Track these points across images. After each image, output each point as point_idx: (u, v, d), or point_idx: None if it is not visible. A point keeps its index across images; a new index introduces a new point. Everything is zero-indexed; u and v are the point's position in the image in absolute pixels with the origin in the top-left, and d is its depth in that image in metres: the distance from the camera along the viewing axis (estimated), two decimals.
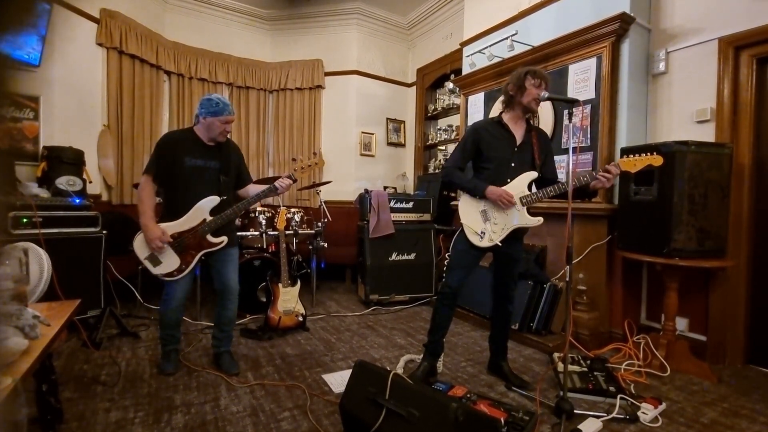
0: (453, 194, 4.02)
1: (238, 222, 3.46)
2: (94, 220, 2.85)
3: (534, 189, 2.08)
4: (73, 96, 3.40)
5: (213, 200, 2.15)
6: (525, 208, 2.03)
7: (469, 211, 2.09)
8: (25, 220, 2.50)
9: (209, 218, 2.14)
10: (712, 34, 2.52)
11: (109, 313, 2.77)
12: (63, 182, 2.87)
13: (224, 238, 2.19)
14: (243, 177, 2.37)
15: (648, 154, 1.87)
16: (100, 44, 3.65)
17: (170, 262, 2.12)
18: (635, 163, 1.88)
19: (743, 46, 2.42)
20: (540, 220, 2.04)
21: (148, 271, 2.14)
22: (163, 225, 2.10)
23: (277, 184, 2.16)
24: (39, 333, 1.24)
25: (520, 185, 2.04)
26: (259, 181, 2.89)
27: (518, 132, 2.09)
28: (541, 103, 2.03)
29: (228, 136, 2.23)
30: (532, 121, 2.14)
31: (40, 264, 1.82)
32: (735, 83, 2.45)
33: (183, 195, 2.13)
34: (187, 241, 2.12)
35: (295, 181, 2.21)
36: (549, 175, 2.12)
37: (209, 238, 2.16)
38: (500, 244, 2.04)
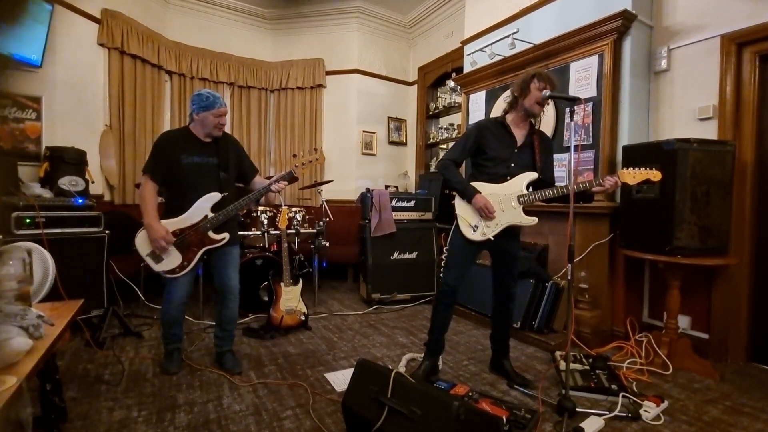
0: (451, 187, 4.01)
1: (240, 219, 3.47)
2: (96, 220, 2.86)
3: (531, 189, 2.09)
4: (74, 96, 3.41)
5: (214, 197, 2.15)
6: (521, 206, 2.05)
7: (464, 203, 2.11)
8: (28, 220, 2.51)
9: (211, 215, 2.14)
10: (715, 31, 2.51)
11: (112, 312, 2.78)
12: (65, 182, 2.88)
13: (226, 235, 2.20)
14: (246, 170, 2.34)
15: (648, 169, 1.92)
16: (101, 44, 3.65)
17: (172, 259, 2.13)
18: (634, 176, 1.93)
19: (746, 43, 2.41)
20: (534, 220, 2.05)
21: (151, 270, 2.15)
22: (164, 222, 2.11)
23: (273, 187, 2.18)
24: (43, 333, 1.25)
25: (518, 184, 2.06)
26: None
27: (519, 134, 2.11)
28: (545, 100, 2.04)
29: (224, 130, 2.22)
30: (534, 123, 2.15)
31: (44, 265, 1.83)
32: (738, 80, 2.44)
33: (183, 192, 2.14)
34: (188, 238, 2.13)
35: (296, 178, 2.22)
36: (546, 177, 2.13)
37: (211, 234, 2.16)
38: (492, 239, 2.06)
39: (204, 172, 2.16)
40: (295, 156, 2.29)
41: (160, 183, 2.15)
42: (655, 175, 1.91)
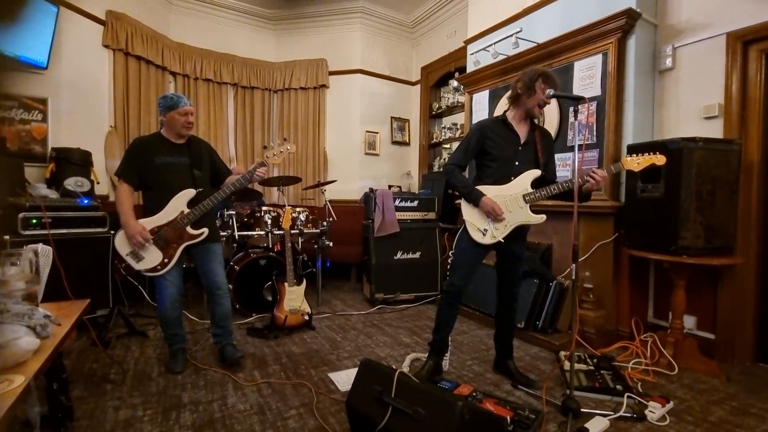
0: (457, 192, 4.01)
1: (243, 220, 3.49)
2: (102, 220, 2.88)
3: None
4: (80, 97, 3.43)
5: (188, 193, 2.20)
6: (528, 205, 2.03)
7: (471, 208, 2.10)
8: (34, 221, 2.53)
9: (187, 210, 2.18)
10: (720, 29, 2.49)
11: (117, 312, 2.81)
12: (71, 183, 2.91)
13: (205, 230, 2.23)
14: (220, 171, 2.41)
15: (651, 153, 1.88)
16: (106, 46, 3.68)
17: (152, 257, 2.16)
18: (639, 162, 1.89)
19: (751, 41, 2.39)
20: (543, 217, 2.04)
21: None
22: (142, 221, 2.14)
23: (249, 173, 2.23)
24: (50, 332, 1.26)
25: (523, 183, 2.04)
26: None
27: (522, 131, 2.09)
28: (547, 101, 2.02)
29: (192, 131, 2.28)
30: (537, 121, 2.13)
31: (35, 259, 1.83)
32: (743, 79, 2.42)
33: (158, 192, 2.19)
34: (167, 234, 2.16)
35: (266, 166, 2.25)
36: (549, 175, 2.12)
37: (189, 230, 2.20)
38: (503, 241, 2.04)
39: (178, 171, 2.21)
40: (265, 147, 2.35)
41: (135, 185, 2.20)
42: (659, 159, 1.87)
